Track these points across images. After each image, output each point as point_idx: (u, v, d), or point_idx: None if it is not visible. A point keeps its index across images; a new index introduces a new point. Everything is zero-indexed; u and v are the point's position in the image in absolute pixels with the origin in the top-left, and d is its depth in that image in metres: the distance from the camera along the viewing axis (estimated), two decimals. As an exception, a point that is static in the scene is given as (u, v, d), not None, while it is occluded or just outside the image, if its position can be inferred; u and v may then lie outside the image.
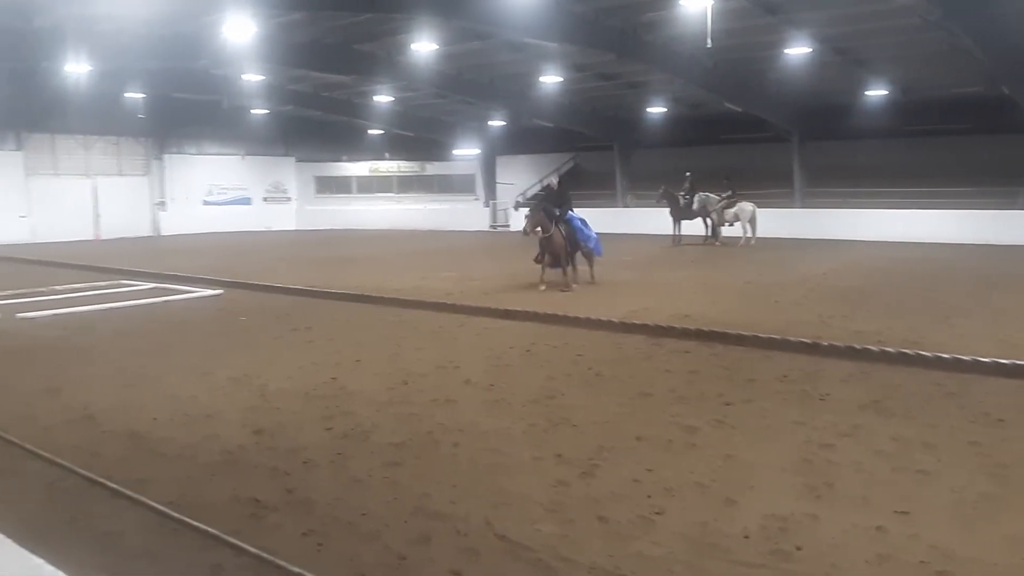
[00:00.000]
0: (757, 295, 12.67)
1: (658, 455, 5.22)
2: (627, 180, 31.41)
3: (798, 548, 3.82)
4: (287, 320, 10.96)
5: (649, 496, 4.52)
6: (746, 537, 3.95)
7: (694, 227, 23.36)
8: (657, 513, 4.28)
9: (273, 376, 7.51)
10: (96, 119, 30.49)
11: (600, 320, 9.94)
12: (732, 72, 23.10)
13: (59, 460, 5.06)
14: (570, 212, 13.96)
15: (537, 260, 13.66)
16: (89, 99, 26.15)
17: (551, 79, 25.30)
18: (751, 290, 13.30)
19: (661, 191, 23.38)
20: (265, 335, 9.92)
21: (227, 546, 3.86)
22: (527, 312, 10.76)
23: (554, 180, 14.68)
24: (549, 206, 13.95)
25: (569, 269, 13.60)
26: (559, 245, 13.25)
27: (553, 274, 13.62)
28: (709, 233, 23.15)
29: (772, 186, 26.46)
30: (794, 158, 27.07)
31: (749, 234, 22.36)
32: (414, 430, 5.82)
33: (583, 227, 13.85)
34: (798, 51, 20.00)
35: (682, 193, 23.21)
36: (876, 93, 23.94)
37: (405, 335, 9.70)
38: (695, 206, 22.90)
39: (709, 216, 22.94)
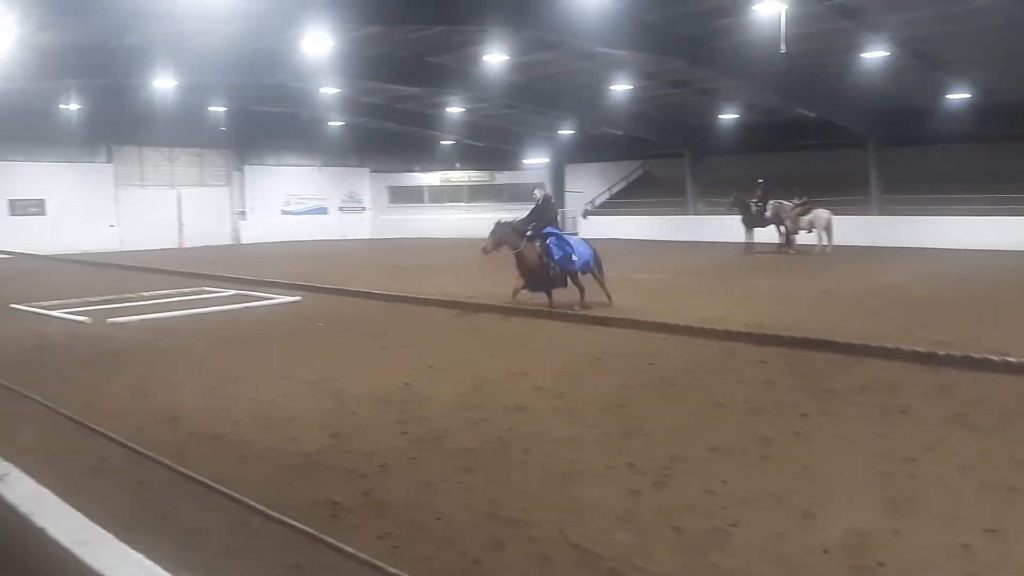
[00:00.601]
0: (833, 304, 12.38)
1: (732, 466, 5.15)
2: (698, 187, 31.08)
3: (881, 565, 3.73)
4: (362, 326, 11.19)
5: (724, 507, 4.47)
6: (825, 552, 3.88)
7: (768, 235, 22.94)
8: (732, 525, 4.23)
9: (349, 381, 7.68)
10: (181, 132, 31.73)
11: (675, 325, 9.84)
12: (806, 77, 22.66)
13: (156, 457, 5.27)
14: (552, 229, 12.37)
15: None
16: (174, 113, 27.27)
17: (621, 87, 25.26)
18: (827, 299, 13.00)
19: (732, 198, 23.06)
20: (341, 340, 10.16)
21: (308, 545, 3.97)
22: (597, 317, 10.76)
23: (538, 193, 13.15)
24: (519, 222, 12.55)
25: (559, 291, 12.20)
26: (532, 262, 11.91)
27: (532, 298, 12.34)
28: (783, 241, 22.70)
29: (847, 193, 25.83)
30: (871, 164, 26.37)
31: (824, 242, 21.85)
32: (486, 436, 5.88)
33: (563, 246, 12.09)
34: (875, 55, 19.52)
35: (754, 200, 22.83)
36: (957, 96, 23.16)
37: (476, 341, 9.81)
38: (768, 213, 22.50)
39: (783, 224, 22.50)
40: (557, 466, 5.23)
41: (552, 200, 13.27)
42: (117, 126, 30.30)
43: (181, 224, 33.50)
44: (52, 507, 1.87)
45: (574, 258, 12.03)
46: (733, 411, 6.50)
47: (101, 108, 27.48)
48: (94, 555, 1.61)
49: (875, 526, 4.14)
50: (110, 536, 1.70)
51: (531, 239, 12.16)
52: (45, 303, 13.71)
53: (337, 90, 27.94)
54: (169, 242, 32.47)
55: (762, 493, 4.67)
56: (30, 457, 5.34)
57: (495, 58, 21.99)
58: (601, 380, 7.69)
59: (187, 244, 32.76)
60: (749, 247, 22.72)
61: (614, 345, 9.28)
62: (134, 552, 1.63)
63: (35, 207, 29.94)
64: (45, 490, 2.00)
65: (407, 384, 7.50)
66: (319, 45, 18.98)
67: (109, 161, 32.10)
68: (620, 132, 31.59)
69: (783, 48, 15.82)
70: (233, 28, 18.24)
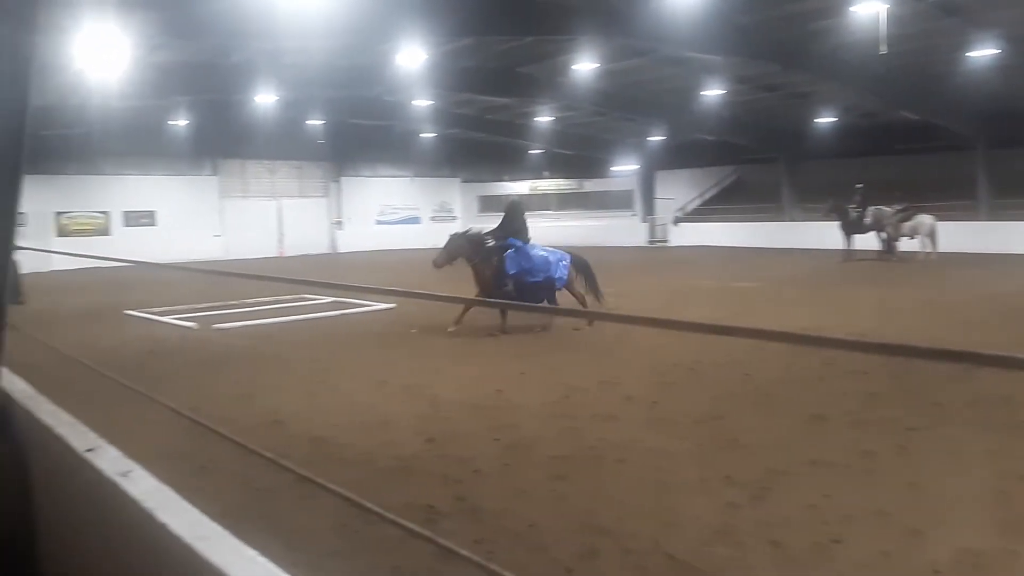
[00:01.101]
0: (939, 314, 11.83)
1: (834, 480, 4.99)
2: (793, 193, 30.26)
3: (996, 587, 3.55)
4: (456, 333, 11.34)
5: (826, 522, 4.33)
6: (936, 572, 3.71)
7: (868, 242, 22.13)
8: (835, 541, 4.09)
9: (442, 387, 7.80)
10: (281, 145, 32.97)
11: (774, 331, 9.59)
12: (907, 78, 21.79)
13: (269, 455, 5.46)
14: (515, 240, 11.53)
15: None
16: (275, 127, 28.38)
17: (713, 92, 24.87)
18: (932, 309, 12.43)
19: (830, 204, 22.34)
20: (434, 347, 10.33)
21: (408, 547, 4.05)
22: (688, 323, 10.59)
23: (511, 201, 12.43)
24: (478, 234, 11.84)
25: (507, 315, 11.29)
26: (485, 277, 11.20)
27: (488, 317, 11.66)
28: (884, 248, 21.85)
29: (952, 197, 24.65)
30: (978, 167, 25.10)
31: (928, 249, 20.93)
32: (577, 445, 5.87)
33: (520, 261, 11.27)
34: (982, 53, 18.62)
35: (853, 206, 22.06)
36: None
37: (566, 349, 9.81)
38: (868, 220, 21.69)
39: (884, 230, 21.65)
40: (651, 477, 5.17)
41: (520, 207, 12.44)
42: (222, 141, 31.71)
43: (281, 234, 34.74)
44: (173, 504, 1.98)
45: (533, 273, 11.15)
46: (834, 424, 6.29)
47: (207, 124, 28.82)
48: (213, 551, 1.69)
49: (990, 546, 3.94)
50: (226, 533, 1.78)
51: (490, 251, 11.37)
52: (156, 309, 14.44)
53: (430, 102, 28.49)
54: (270, 251, 33.73)
55: (867, 509, 4.50)
56: (145, 455, 5.65)
57: (585, 66, 22.01)
58: (694, 390, 7.57)
59: (287, 253, 33.94)
60: (848, 255, 21.95)
61: (708, 354, 9.11)
62: (249, 549, 1.71)
63: (146, 218, 31.60)
64: (166, 487, 2.11)
65: (498, 391, 7.56)
66: (413, 59, 19.43)
67: (214, 174, 33.62)
68: (712, 137, 31.07)
69: (883, 49, 15.26)
70: (330, 44, 18.84)
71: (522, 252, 11.35)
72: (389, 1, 15.31)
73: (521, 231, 11.71)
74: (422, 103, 28.38)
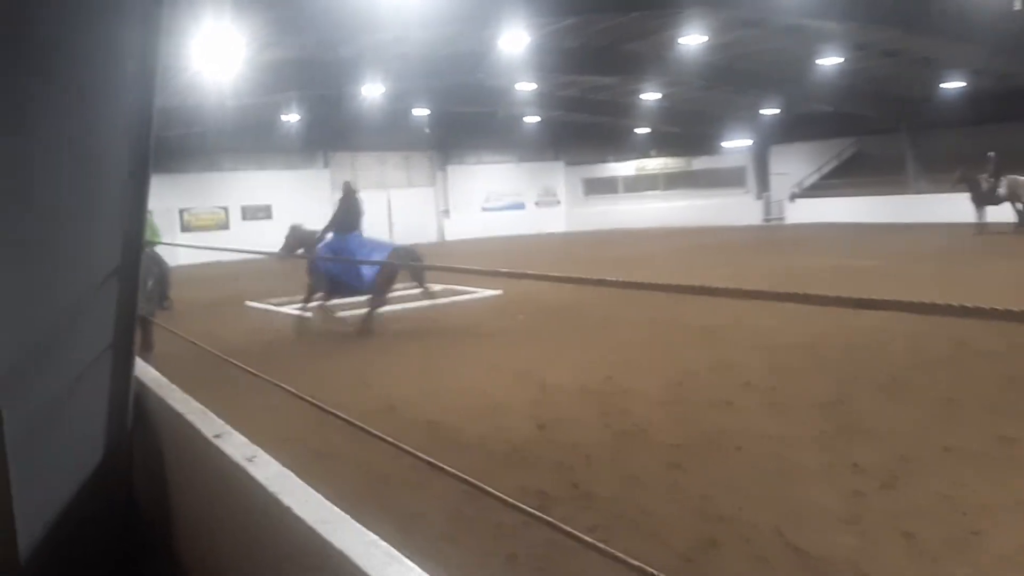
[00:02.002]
0: (1089, 290, 10.94)
1: (970, 469, 4.68)
2: (918, 165, 28.61)
3: None
4: (559, 318, 11.31)
5: (964, 513, 4.08)
6: (1091, 569, 3.42)
7: (1002, 213, 20.69)
8: (974, 533, 3.84)
9: (552, 372, 7.78)
10: (389, 136, 33.64)
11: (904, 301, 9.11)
12: (1048, 36, 20.11)
13: (390, 440, 5.58)
14: (330, 240, 11.03)
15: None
16: (382, 118, 28.96)
17: (829, 61, 23.75)
18: (1081, 284, 11.52)
19: (958, 175, 20.99)
20: (542, 332, 10.32)
21: (522, 534, 4.06)
22: (810, 295, 10.17)
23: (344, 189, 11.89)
24: (301, 227, 11.71)
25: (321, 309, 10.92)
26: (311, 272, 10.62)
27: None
28: (1020, 220, 20.39)
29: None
30: None
31: (1072, 220, 19.39)
32: (692, 431, 5.74)
33: (328, 263, 10.50)
34: None
35: (985, 176, 20.65)
36: None
37: (676, 333, 9.59)
38: (1001, 191, 20.28)
39: (1020, 200, 20.19)
40: (771, 464, 4.99)
41: (356, 195, 11.77)
42: (332, 134, 32.64)
43: (391, 224, 35.54)
44: (296, 488, 2.02)
45: (341, 270, 10.51)
46: (968, 409, 5.91)
47: (318, 118, 29.71)
48: (334, 534, 1.71)
49: None
50: (347, 517, 1.81)
51: (314, 243, 11.05)
52: (275, 300, 15.02)
53: (533, 86, 28.40)
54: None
55: (1008, 499, 4.21)
56: (266, 440, 5.88)
57: (692, 40, 21.42)
58: (815, 373, 7.27)
59: (396, 242, 34.72)
60: (980, 227, 20.60)
61: (827, 335, 8.75)
62: (369, 533, 1.72)
63: (263, 212, 32.92)
64: (289, 472, 2.16)
65: (609, 377, 7.48)
66: (516, 42, 19.38)
67: (326, 167, 34.68)
68: (829, 108, 29.72)
69: (1018, 4, 14.15)
70: (433, 34, 19.03)
71: (334, 246, 10.84)
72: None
73: (356, 222, 11.27)
74: (525, 87, 28.33)
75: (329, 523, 1.78)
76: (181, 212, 30.92)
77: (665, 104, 32.52)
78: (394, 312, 12.64)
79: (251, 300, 15.40)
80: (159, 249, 9.73)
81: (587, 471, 5.06)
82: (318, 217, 33.72)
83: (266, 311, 14.19)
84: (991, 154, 20.83)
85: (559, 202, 40.35)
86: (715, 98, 31.44)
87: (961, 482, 4.47)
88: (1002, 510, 4.09)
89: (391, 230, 35.22)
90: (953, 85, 26.11)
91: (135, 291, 3.23)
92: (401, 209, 35.76)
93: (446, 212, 37.47)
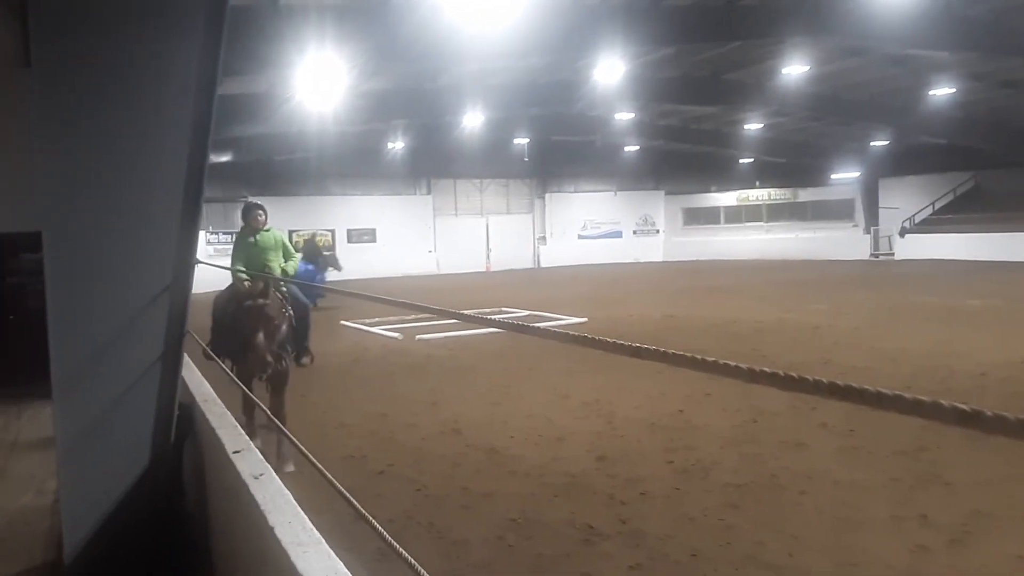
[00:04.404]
0: None
1: (1055, 530, 4.32)
2: (1043, 200, 26.88)
3: None
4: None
5: (1038, 578, 3.76)
6: None
7: None
8: (1047, 601, 3.54)
9: (622, 403, 7.67)
10: (489, 164, 34.21)
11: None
12: None
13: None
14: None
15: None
16: (483, 146, 29.51)
17: (942, 91, 22.70)
18: None
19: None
20: (621, 362, 10.16)
21: (561, 567, 4.00)
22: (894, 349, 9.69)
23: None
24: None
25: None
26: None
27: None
28: None
29: None
30: None
31: None
32: (757, 472, 5.53)
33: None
34: None
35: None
36: None
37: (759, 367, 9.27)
38: None
39: None
40: (834, 512, 4.75)
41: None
42: (435, 161, 33.43)
43: (489, 249, 35.99)
44: (286, 508, 2.06)
45: None
46: (1065, 464, 5.46)
47: (421, 145, 30.52)
48: (302, 557, 1.73)
49: None
50: (321, 540, 1.83)
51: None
52: (368, 320, 15.41)
53: (632, 115, 28.31)
54: (478, 266, 35.03)
55: (1093, 566, 3.86)
56: (329, 458, 6.01)
57: (795, 70, 20.92)
58: (899, 418, 6.82)
59: (493, 268, 35.10)
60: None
61: (919, 381, 8.28)
62: (336, 560, 1.74)
63: (368, 235, 33.93)
64: (287, 493, 2.20)
65: (680, 411, 7.31)
66: (612, 72, 19.40)
67: (428, 193, 35.50)
68: (943, 141, 28.37)
69: None
70: (530, 63, 19.29)
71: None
72: (585, 16, 15.41)
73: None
74: (624, 116, 28.26)
75: (303, 545, 1.81)
76: (290, 234, 32.23)
77: (769, 134, 31.80)
78: (473, 336, 12.76)
79: (346, 320, 15.83)
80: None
81: (640, 507, 4.94)
82: (419, 241, 34.60)
83: (359, 331, 14.55)
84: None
85: (658, 231, 39.94)
86: (822, 128, 30.54)
87: (1042, 543, 4.13)
88: (1085, 577, 3.75)
89: (488, 255, 35.68)
90: (1082, 116, 24.50)
91: (185, 307, 3.39)
92: (499, 235, 36.20)
93: (543, 239, 37.67)
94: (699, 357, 1.10)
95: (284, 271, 6.52)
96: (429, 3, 13.18)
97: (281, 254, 6.60)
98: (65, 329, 3.15)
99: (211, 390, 3.71)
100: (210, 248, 28.76)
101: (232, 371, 5.14)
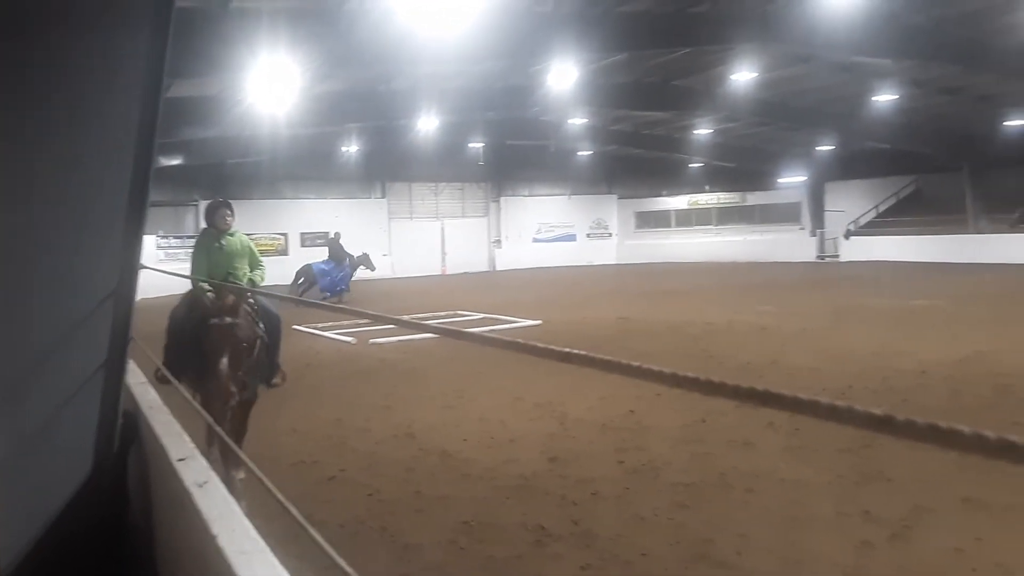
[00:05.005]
0: None
1: (990, 522, 4.47)
2: (980, 204, 27.75)
3: None
4: (597, 350, 11.19)
5: (974, 570, 3.90)
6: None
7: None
8: (982, 592, 3.67)
9: (574, 405, 7.72)
10: (444, 167, 34.18)
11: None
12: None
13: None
14: None
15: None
16: (438, 150, 29.47)
17: (884, 97, 23.34)
18: None
19: (1019, 214, 20.33)
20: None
21: (512, 570, 4.02)
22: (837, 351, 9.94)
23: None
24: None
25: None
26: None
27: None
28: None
29: None
30: None
31: None
32: (706, 471, 5.62)
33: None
34: None
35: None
36: None
37: (711, 371, 9.39)
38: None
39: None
40: (781, 509, 4.85)
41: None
42: (389, 164, 33.27)
43: (444, 253, 35.91)
44: (230, 517, 2.04)
45: None
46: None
47: (376, 148, 30.34)
48: (246, 565, 1.72)
49: None
50: (267, 548, 1.82)
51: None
52: (320, 325, 15.25)
53: (585, 120, 28.56)
54: (434, 269, 34.92)
55: (1025, 557, 4.01)
56: (280, 464, 5.95)
57: (743, 76, 21.30)
58: (844, 416, 7.05)
59: (449, 271, 35.05)
60: (1045, 270, 19.86)
61: (864, 379, 8.51)
62: (281, 568, 1.73)
63: (321, 239, 33.51)
64: (232, 501, 2.18)
65: (631, 411, 7.39)
66: (566, 77, 19.55)
67: (383, 196, 35.31)
68: (886, 146, 29.15)
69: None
70: (485, 68, 19.33)
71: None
72: (539, 22, 15.50)
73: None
74: (578, 121, 28.51)
75: (246, 554, 1.79)
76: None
77: (719, 139, 32.35)
78: (427, 340, 12.71)
79: (298, 324, 15.65)
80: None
81: (591, 508, 4.99)
82: (374, 245, 34.41)
83: (311, 335, 14.40)
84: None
85: (611, 234, 40.30)
86: (770, 134, 31.15)
87: (977, 536, 4.27)
88: (1018, 569, 3.90)
89: (443, 259, 35.61)
90: (1016, 123, 25.36)
91: (130, 313, 3.33)
92: (454, 238, 36.15)
93: (498, 242, 37.72)
94: (624, 362, 1.13)
95: (252, 281, 5.80)
96: (382, 7, 13.14)
97: (247, 261, 5.87)
98: (3, 336, 3.07)
99: (157, 397, 3.65)
100: (160, 253, 28.24)
101: (191, 394, 4.56)
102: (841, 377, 8.64)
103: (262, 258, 6.06)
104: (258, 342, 5.38)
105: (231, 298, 5.19)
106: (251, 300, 5.46)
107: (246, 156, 26.66)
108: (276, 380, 5.80)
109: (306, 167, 31.32)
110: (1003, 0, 15.62)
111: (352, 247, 33.53)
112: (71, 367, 3.19)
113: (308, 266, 21.11)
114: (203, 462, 2.59)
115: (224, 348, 5.04)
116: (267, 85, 15.48)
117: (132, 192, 3.07)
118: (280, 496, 1.77)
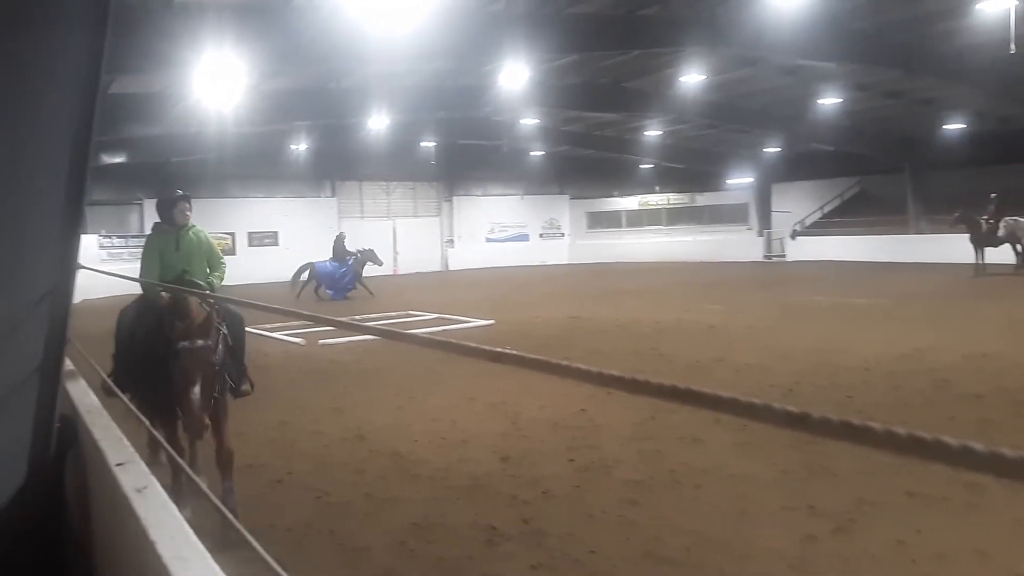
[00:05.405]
0: (1080, 334, 10.83)
1: (930, 514, 4.59)
2: (920, 205, 28.58)
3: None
4: (546, 350, 11.24)
5: (914, 561, 4.00)
6: (1033, 622, 3.34)
7: (1004, 255, 20.57)
8: (922, 582, 3.77)
9: (527, 404, 7.73)
10: (396, 167, 33.97)
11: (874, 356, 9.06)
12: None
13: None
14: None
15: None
16: (390, 149, 29.28)
17: (829, 100, 23.88)
18: (1073, 328, 11.40)
19: (957, 215, 20.95)
20: (526, 365, 10.25)
21: (462, 572, 4.00)
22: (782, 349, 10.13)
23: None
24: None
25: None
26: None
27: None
28: (1020, 262, 20.29)
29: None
30: None
31: (1072, 262, 19.28)
32: (656, 468, 5.67)
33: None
34: None
35: (985, 217, 20.59)
36: None
37: (660, 369, 9.52)
38: (1001, 232, 20.19)
39: (1019, 242, 20.11)
40: (729, 505, 4.92)
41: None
42: (340, 163, 32.95)
43: (396, 252, 35.65)
44: (169, 522, 1.98)
45: None
46: (939, 452, 5.81)
47: (326, 147, 30.02)
48: (185, 571, 1.68)
49: (1103, 597, 3.51)
50: (206, 554, 1.77)
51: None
52: (269, 325, 15.01)
53: (537, 121, 28.66)
54: (385, 269, 34.61)
55: (963, 547, 4.12)
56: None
57: (692, 78, 21.58)
58: (790, 413, 7.18)
59: (401, 271, 34.81)
60: (980, 268, 20.49)
61: (809, 376, 8.68)
62: (221, 574, 1.69)
63: (269, 239, 33.12)
64: (172, 506, 2.13)
65: (583, 410, 7.42)
66: (517, 78, 19.58)
67: (333, 195, 34.95)
68: (831, 148, 29.81)
69: (1012, 48, 14.22)
70: (437, 67, 19.26)
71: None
72: (490, 22, 15.51)
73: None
74: (530, 122, 28.58)
75: (185, 560, 1.74)
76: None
77: (668, 141, 32.75)
78: (378, 340, 12.62)
79: (246, 325, 15.38)
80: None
81: (542, 507, 4.99)
82: (324, 245, 33.88)
83: (260, 336, 14.16)
84: (993, 195, 20.79)
85: (563, 234, 40.50)
86: (718, 136, 31.64)
87: (918, 528, 4.39)
88: (955, 559, 4.01)
89: (395, 259, 35.36)
90: (955, 126, 26.19)
91: (67, 314, 3.22)
92: (406, 238, 35.93)
93: (450, 242, 37.62)
94: (554, 361, 1.13)
95: (211, 285, 5.25)
96: (331, 3, 13.00)
97: (206, 261, 5.34)
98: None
99: (96, 401, 3.54)
100: (103, 252, 27.54)
101: (143, 411, 4.11)
102: (788, 374, 8.80)
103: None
104: (220, 347, 4.82)
105: (199, 314, 4.60)
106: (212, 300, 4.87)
107: (192, 154, 26.14)
108: (245, 387, 5.30)
109: (254, 165, 30.82)
110: (941, 7, 16.09)
111: (301, 247, 33.22)
112: (3, 370, 3.08)
113: (311, 264, 21.32)
114: (143, 467, 2.52)
115: (196, 375, 4.44)
116: (213, 82, 15.20)
117: (69, 190, 2.98)
118: (218, 503, 1.73)
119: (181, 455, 4.62)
